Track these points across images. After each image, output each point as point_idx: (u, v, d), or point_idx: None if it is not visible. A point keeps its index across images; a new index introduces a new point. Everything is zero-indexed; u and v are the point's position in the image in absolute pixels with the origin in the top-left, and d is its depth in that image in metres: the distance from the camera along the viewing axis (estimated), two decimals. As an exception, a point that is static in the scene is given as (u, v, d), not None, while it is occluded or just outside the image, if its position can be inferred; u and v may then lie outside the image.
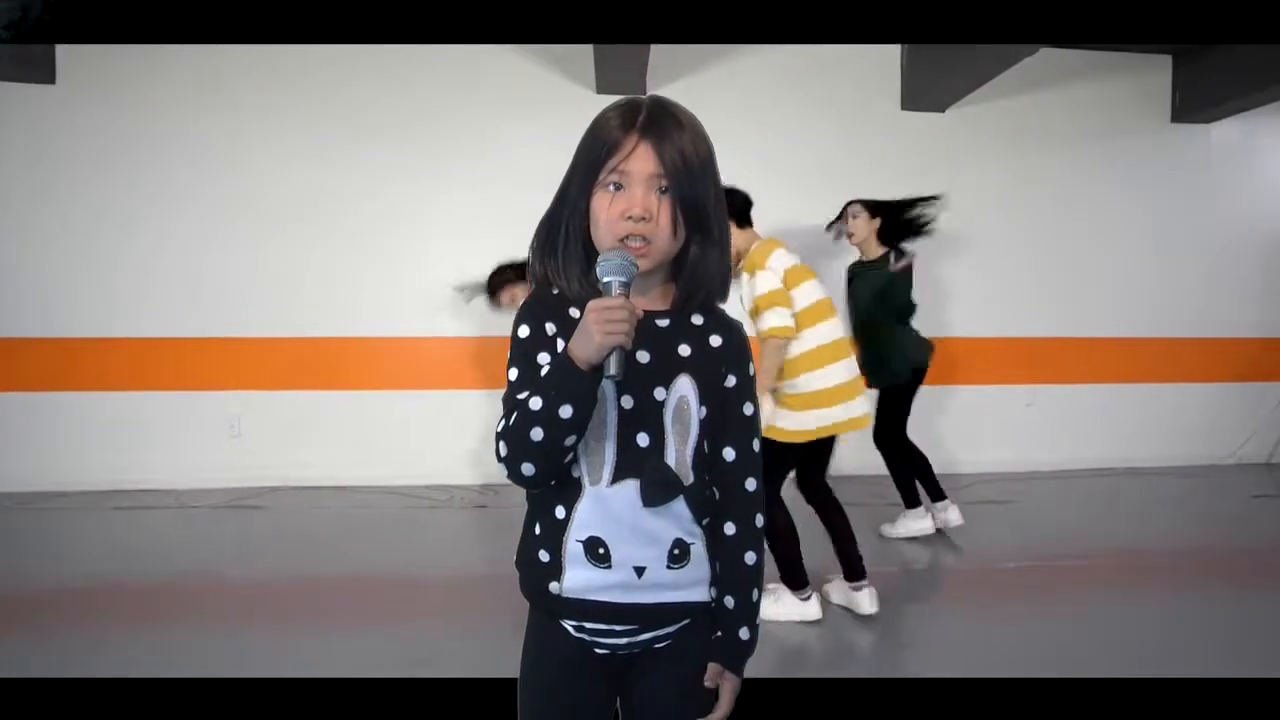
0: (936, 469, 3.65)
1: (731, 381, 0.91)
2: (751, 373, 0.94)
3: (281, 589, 2.93)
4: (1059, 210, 4.95)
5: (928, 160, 4.73)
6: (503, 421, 0.84)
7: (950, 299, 4.84)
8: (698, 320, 0.91)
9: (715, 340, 0.91)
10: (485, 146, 4.44)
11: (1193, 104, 4.91)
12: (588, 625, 0.90)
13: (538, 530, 0.90)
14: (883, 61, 4.74)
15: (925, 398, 4.80)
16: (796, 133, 4.67)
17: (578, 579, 0.87)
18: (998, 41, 3.68)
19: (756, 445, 0.93)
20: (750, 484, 0.92)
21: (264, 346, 4.42)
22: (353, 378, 4.47)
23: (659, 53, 4.23)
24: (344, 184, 4.38)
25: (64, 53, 4.18)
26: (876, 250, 3.44)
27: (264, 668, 2.20)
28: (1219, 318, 5.16)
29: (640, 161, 0.83)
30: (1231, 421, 5.21)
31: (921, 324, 3.66)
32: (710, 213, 0.87)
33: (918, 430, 3.69)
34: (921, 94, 4.66)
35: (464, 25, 3.30)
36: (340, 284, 4.42)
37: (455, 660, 2.26)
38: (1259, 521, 4.00)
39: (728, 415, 0.91)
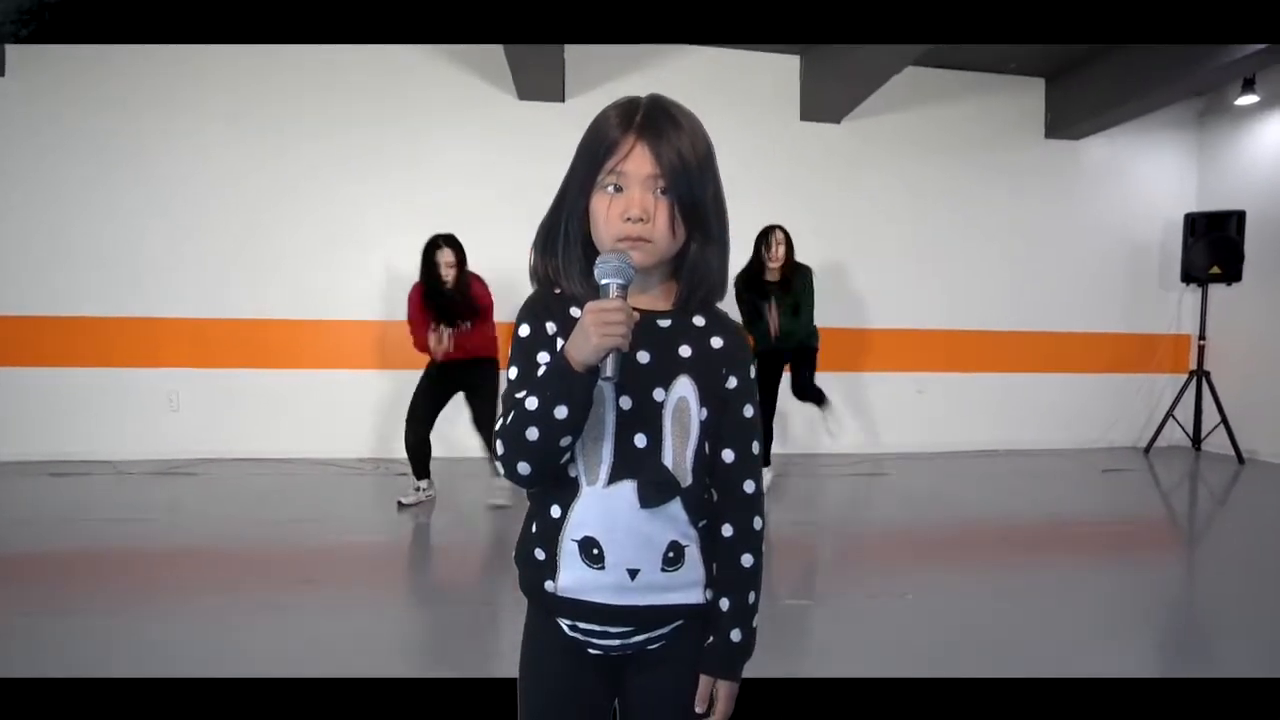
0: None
1: (732, 383, 0.91)
2: (752, 375, 0.93)
3: (206, 547, 3.24)
4: (945, 215, 5.45)
5: (825, 168, 5.21)
6: (501, 420, 0.84)
7: (850, 295, 5.31)
8: (699, 321, 0.91)
9: (716, 342, 0.90)
10: (410, 142, 4.80)
11: (1063, 122, 5.45)
12: (581, 625, 0.90)
13: (534, 528, 0.90)
14: (787, 72, 5.19)
15: (823, 382, 5.30)
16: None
17: (572, 578, 0.87)
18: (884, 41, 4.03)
19: (756, 448, 0.92)
20: (749, 486, 0.92)
21: (201, 327, 4.72)
22: (285, 357, 4.79)
23: (574, 65, 4.64)
24: (272, 175, 4.71)
25: (14, 48, 4.46)
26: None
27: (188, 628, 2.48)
28: (1089, 314, 5.71)
29: (637, 162, 0.84)
30: (1102, 408, 5.76)
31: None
32: (709, 212, 0.87)
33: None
34: (818, 105, 5.12)
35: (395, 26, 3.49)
36: (275, 269, 4.75)
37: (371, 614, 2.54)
38: (1099, 493, 4.50)
39: (728, 417, 0.90)
